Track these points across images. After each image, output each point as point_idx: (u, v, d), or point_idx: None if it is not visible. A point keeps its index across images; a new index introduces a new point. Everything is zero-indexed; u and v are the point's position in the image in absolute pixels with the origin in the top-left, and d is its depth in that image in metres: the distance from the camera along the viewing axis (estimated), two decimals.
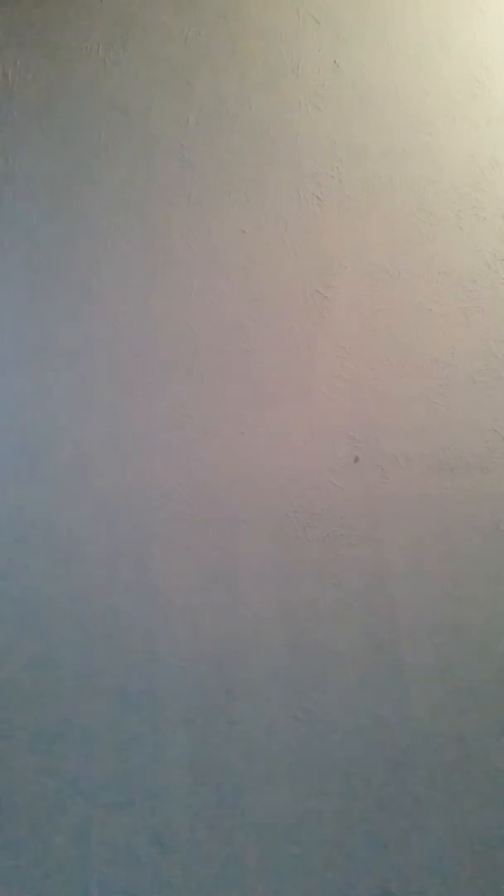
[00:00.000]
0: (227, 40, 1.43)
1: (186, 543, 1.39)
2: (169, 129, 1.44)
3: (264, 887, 1.32)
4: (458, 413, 1.35)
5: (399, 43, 1.40)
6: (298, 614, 1.36)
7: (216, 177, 1.42)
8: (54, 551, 1.41)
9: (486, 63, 1.38)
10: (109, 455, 1.42)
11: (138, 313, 1.43)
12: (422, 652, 1.33)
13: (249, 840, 1.33)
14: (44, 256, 1.46)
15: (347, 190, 1.39)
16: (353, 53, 1.40)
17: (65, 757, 1.38)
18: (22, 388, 1.45)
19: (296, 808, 1.33)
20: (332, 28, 1.41)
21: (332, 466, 1.37)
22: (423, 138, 1.39)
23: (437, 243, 1.37)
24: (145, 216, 1.44)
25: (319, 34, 1.41)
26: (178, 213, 1.43)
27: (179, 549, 1.39)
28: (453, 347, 1.36)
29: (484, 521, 1.34)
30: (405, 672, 1.33)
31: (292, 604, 1.36)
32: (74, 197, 1.46)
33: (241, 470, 1.39)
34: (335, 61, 1.41)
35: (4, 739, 1.40)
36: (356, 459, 1.37)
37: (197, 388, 1.41)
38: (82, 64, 1.47)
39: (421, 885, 1.30)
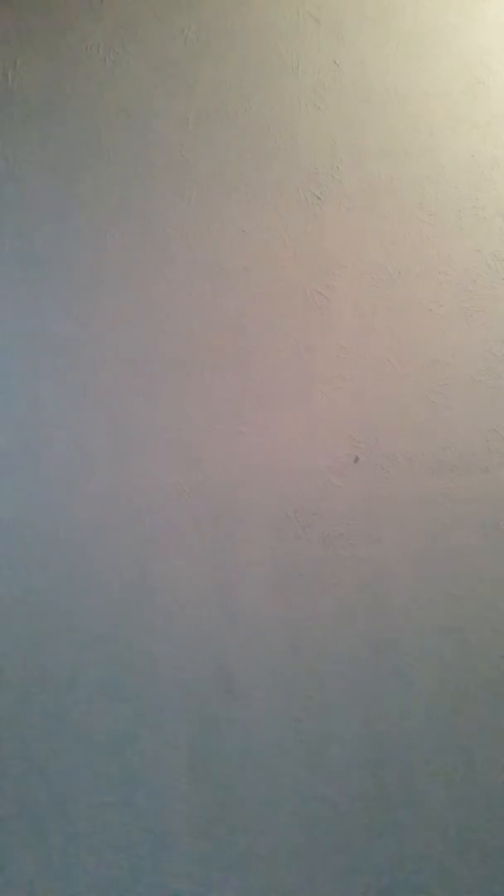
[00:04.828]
0: (227, 40, 1.43)
1: (186, 543, 1.39)
2: (169, 129, 1.44)
3: (264, 886, 1.32)
4: (458, 413, 1.35)
5: (399, 43, 1.39)
6: (298, 614, 1.36)
7: (216, 177, 1.42)
8: (54, 551, 1.41)
9: (487, 62, 1.38)
10: (109, 455, 1.42)
11: (138, 313, 1.43)
12: (422, 652, 1.33)
13: (249, 839, 1.33)
14: (44, 256, 1.46)
15: (347, 190, 1.39)
16: (353, 53, 1.40)
17: (64, 756, 1.38)
18: (22, 387, 1.45)
19: (295, 808, 1.33)
20: (332, 28, 1.41)
21: (332, 466, 1.37)
22: (424, 138, 1.39)
23: (437, 243, 1.37)
24: (145, 216, 1.44)
25: (319, 34, 1.41)
26: (178, 213, 1.43)
27: (179, 549, 1.39)
28: (453, 347, 1.36)
29: (484, 521, 1.34)
30: (405, 672, 1.33)
31: (292, 604, 1.36)
32: (74, 197, 1.46)
33: (241, 470, 1.39)
34: (335, 61, 1.40)
35: (4, 739, 1.40)
36: (356, 459, 1.37)
37: (197, 387, 1.41)
38: (82, 64, 1.47)
39: (420, 884, 1.30)
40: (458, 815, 1.30)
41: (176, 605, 1.38)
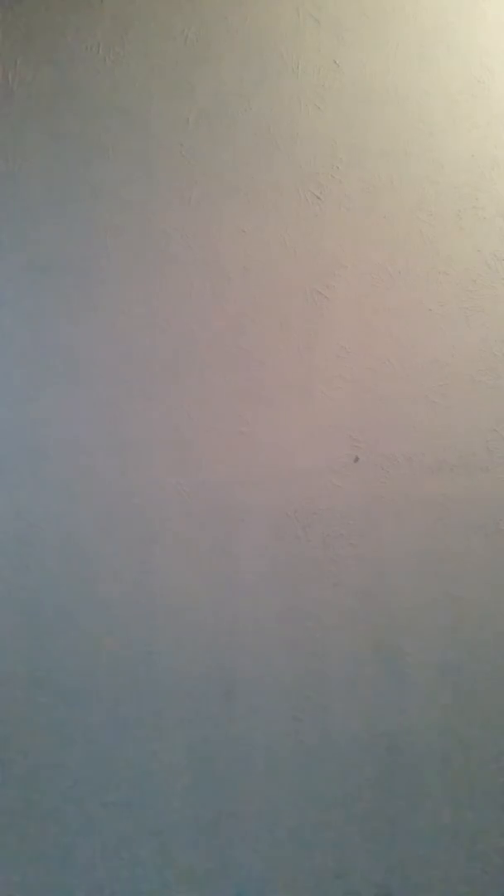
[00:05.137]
0: (227, 40, 1.43)
1: (186, 543, 1.39)
2: (169, 129, 1.44)
3: (264, 887, 1.32)
4: (458, 413, 1.35)
5: (399, 43, 1.39)
6: (298, 614, 1.36)
7: (216, 177, 1.42)
8: (54, 552, 1.41)
9: (487, 63, 1.38)
10: (109, 455, 1.42)
11: (138, 313, 1.43)
12: (422, 652, 1.33)
13: (249, 840, 1.33)
14: (44, 256, 1.46)
15: (347, 190, 1.39)
16: (353, 53, 1.40)
17: (64, 757, 1.38)
18: (21, 388, 1.45)
19: (296, 808, 1.33)
20: (332, 28, 1.41)
21: (332, 466, 1.37)
22: (424, 138, 1.39)
23: (437, 243, 1.37)
24: (145, 216, 1.44)
25: (319, 34, 1.41)
26: (178, 213, 1.43)
27: (179, 549, 1.39)
28: (453, 347, 1.36)
29: (484, 521, 1.34)
30: (405, 672, 1.33)
31: (292, 604, 1.36)
32: (74, 197, 1.46)
33: (241, 470, 1.39)
34: (335, 61, 1.40)
35: (4, 739, 1.40)
36: (356, 459, 1.37)
37: (197, 387, 1.41)
38: (82, 64, 1.46)
39: (421, 885, 1.30)
40: (459, 814, 1.30)
41: (176, 605, 1.38)
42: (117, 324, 1.43)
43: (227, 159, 1.42)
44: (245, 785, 1.34)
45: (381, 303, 1.38)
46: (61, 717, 1.39)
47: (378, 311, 1.38)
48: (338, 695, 1.34)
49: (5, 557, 1.43)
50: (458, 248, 1.37)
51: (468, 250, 1.37)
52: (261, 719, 1.35)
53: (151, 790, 1.36)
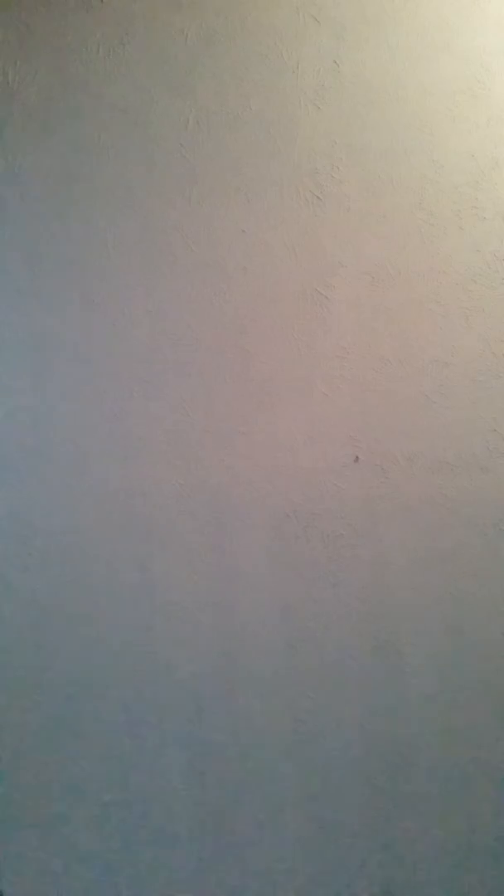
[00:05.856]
0: (227, 40, 1.43)
1: (186, 543, 1.39)
2: (169, 129, 1.44)
3: (265, 887, 1.32)
4: (458, 413, 1.35)
5: (399, 43, 1.39)
6: (298, 614, 1.36)
7: (216, 177, 1.42)
8: (54, 552, 1.41)
9: (487, 63, 1.38)
10: (109, 455, 1.42)
11: (138, 313, 1.43)
12: (422, 652, 1.33)
13: (250, 840, 1.33)
14: (44, 256, 1.46)
15: (347, 190, 1.39)
16: (353, 53, 1.40)
17: (65, 757, 1.38)
18: (22, 388, 1.45)
19: (296, 808, 1.33)
20: (332, 28, 1.41)
21: (332, 466, 1.37)
22: (424, 138, 1.39)
23: (437, 243, 1.37)
24: (145, 216, 1.44)
25: (319, 34, 1.41)
26: (178, 213, 1.43)
27: (179, 549, 1.39)
28: (453, 347, 1.36)
29: (484, 521, 1.34)
30: (405, 672, 1.33)
31: (292, 604, 1.36)
32: (74, 197, 1.46)
33: (242, 470, 1.39)
34: (335, 61, 1.40)
35: (4, 739, 1.40)
36: (356, 459, 1.37)
37: (197, 387, 1.41)
38: (82, 64, 1.47)
39: (421, 885, 1.30)
40: (459, 814, 1.30)
41: (176, 605, 1.38)
42: (117, 323, 1.43)
43: (227, 159, 1.42)
44: (245, 785, 1.34)
45: (381, 303, 1.38)
46: (62, 717, 1.39)
47: (378, 311, 1.38)
48: (338, 695, 1.34)
49: (5, 557, 1.43)
50: (457, 248, 1.37)
51: (468, 250, 1.37)
52: (261, 719, 1.35)
53: (151, 790, 1.36)
